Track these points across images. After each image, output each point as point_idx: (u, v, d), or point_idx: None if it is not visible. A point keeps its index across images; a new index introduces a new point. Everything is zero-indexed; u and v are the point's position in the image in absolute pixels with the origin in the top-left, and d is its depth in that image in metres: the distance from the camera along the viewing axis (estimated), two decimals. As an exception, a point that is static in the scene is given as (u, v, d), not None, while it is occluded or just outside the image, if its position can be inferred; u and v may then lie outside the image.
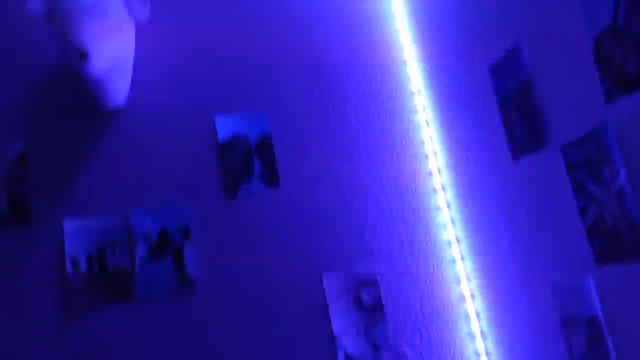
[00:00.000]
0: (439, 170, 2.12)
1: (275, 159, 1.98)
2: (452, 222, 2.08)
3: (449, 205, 2.09)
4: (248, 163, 1.95)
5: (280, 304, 1.89)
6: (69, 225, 1.76)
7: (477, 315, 2.01)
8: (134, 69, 1.87)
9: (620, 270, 1.29)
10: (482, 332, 1.99)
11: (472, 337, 2.00)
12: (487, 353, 1.97)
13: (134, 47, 1.79)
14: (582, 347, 1.45)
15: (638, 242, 1.21)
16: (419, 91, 2.18)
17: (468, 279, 2.04)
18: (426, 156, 2.14)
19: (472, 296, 2.03)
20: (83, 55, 1.52)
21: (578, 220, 1.42)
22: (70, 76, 1.84)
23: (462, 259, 2.06)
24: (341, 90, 2.12)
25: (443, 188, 2.11)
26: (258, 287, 1.88)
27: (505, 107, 1.66)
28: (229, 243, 1.89)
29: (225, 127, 1.96)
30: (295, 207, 1.98)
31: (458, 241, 2.07)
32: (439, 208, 2.10)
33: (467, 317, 2.02)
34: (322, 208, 2.00)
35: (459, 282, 2.05)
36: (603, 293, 1.36)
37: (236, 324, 1.84)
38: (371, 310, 1.93)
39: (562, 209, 1.48)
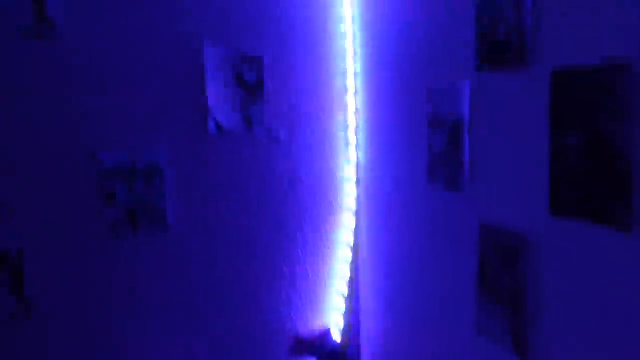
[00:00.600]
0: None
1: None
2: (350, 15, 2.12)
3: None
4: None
5: (157, 73, 1.86)
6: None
7: (356, 109, 2.14)
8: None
9: (497, 76, 1.31)
10: (357, 126, 2.14)
11: (346, 128, 2.13)
12: (358, 144, 2.14)
13: None
14: (441, 144, 1.53)
15: (524, 53, 1.21)
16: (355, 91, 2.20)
17: (355, 74, 2.13)
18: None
19: (355, 92, 2.14)
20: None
21: (472, 24, 1.40)
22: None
23: (354, 55, 2.13)
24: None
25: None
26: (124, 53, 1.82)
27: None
28: None
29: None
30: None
31: (352, 36, 2.12)
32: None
33: (346, 109, 2.15)
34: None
35: (345, 76, 2.13)
36: (476, 97, 1.39)
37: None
38: (252, 87, 1.97)
39: (458, 12, 1.47)
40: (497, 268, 1.32)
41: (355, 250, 2.16)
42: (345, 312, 2.17)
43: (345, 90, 2.13)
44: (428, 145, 1.61)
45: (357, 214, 2.15)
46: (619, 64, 0.96)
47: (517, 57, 1.23)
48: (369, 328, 2.16)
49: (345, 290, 2.16)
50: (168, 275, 1.96)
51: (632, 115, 0.94)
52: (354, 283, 2.17)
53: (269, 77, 2.00)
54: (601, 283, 1.03)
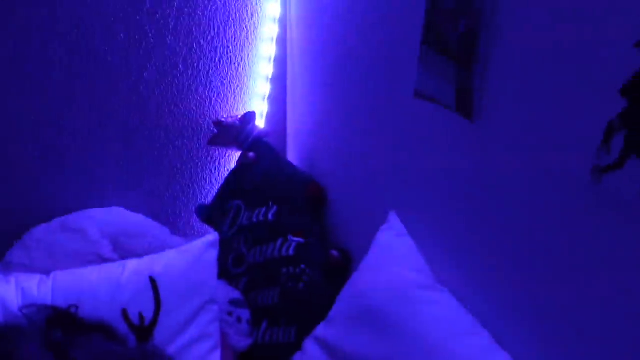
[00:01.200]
0: None
1: None
2: None
3: None
4: None
5: None
6: None
7: None
8: None
9: None
10: None
11: None
12: None
13: None
14: None
15: None
16: None
17: None
18: None
19: None
20: None
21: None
22: None
23: None
24: None
25: None
26: None
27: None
28: None
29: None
30: None
31: None
32: None
33: None
34: None
35: None
36: None
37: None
38: None
39: None
40: (447, 11, 1.14)
41: (283, 23, 1.92)
42: (269, 96, 2.00)
43: None
44: None
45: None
46: None
47: None
48: (296, 112, 2.01)
49: (270, 71, 1.97)
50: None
51: None
52: (280, 62, 1.97)
53: None
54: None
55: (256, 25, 1.90)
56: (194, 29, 1.83)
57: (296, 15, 1.87)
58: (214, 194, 1.97)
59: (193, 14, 1.80)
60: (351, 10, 1.55)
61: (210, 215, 1.92)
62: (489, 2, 1.01)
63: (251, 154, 1.88)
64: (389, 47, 1.40)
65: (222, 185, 1.93)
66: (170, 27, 1.79)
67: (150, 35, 1.78)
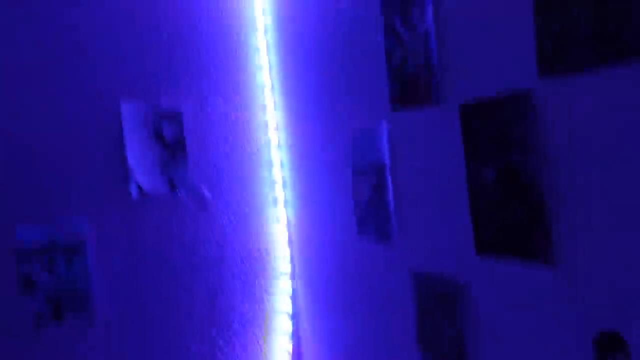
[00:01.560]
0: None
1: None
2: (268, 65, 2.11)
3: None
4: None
5: (75, 133, 1.85)
6: None
7: (281, 163, 2.09)
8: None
9: (411, 116, 1.30)
10: (283, 181, 2.09)
11: (273, 185, 2.07)
12: (286, 201, 2.09)
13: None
14: (367, 194, 1.52)
15: (433, 89, 1.20)
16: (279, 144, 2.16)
17: (277, 128, 2.10)
18: None
19: (279, 145, 2.09)
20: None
21: (384, 64, 1.38)
22: None
23: (274, 106, 2.09)
24: None
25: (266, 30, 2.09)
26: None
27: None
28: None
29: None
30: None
31: (271, 86, 2.10)
32: (257, 49, 2.08)
33: (271, 165, 2.09)
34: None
35: (266, 128, 2.09)
36: (393, 139, 1.39)
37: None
38: (172, 145, 1.93)
39: (371, 51, 1.46)
40: (435, 318, 1.27)
41: (295, 318, 2.07)
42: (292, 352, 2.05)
43: (268, 143, 2.10)
44: (355, 195, 1.59)
45: (293, 277, 2.08)
46: (517, 95, 0.96)
47: (426, 95, 1.23)
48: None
49: (290, 327, 2.06)
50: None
51: (536, 144, 0.93)
52: (296, 356, 2.06)
53: (189, 134, 1.98)
54: (534, 325, 0.99)
55: (270, 319, 2.05)
56: (211, 329, 1.98)
57: (304, 306, 2.02)
58: None
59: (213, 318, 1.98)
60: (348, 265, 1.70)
61: None
62: (467, 311, 1.14)
63: None
64: (392, 348, 1.50)
65: None
66: (192, 334, 1.95)
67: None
